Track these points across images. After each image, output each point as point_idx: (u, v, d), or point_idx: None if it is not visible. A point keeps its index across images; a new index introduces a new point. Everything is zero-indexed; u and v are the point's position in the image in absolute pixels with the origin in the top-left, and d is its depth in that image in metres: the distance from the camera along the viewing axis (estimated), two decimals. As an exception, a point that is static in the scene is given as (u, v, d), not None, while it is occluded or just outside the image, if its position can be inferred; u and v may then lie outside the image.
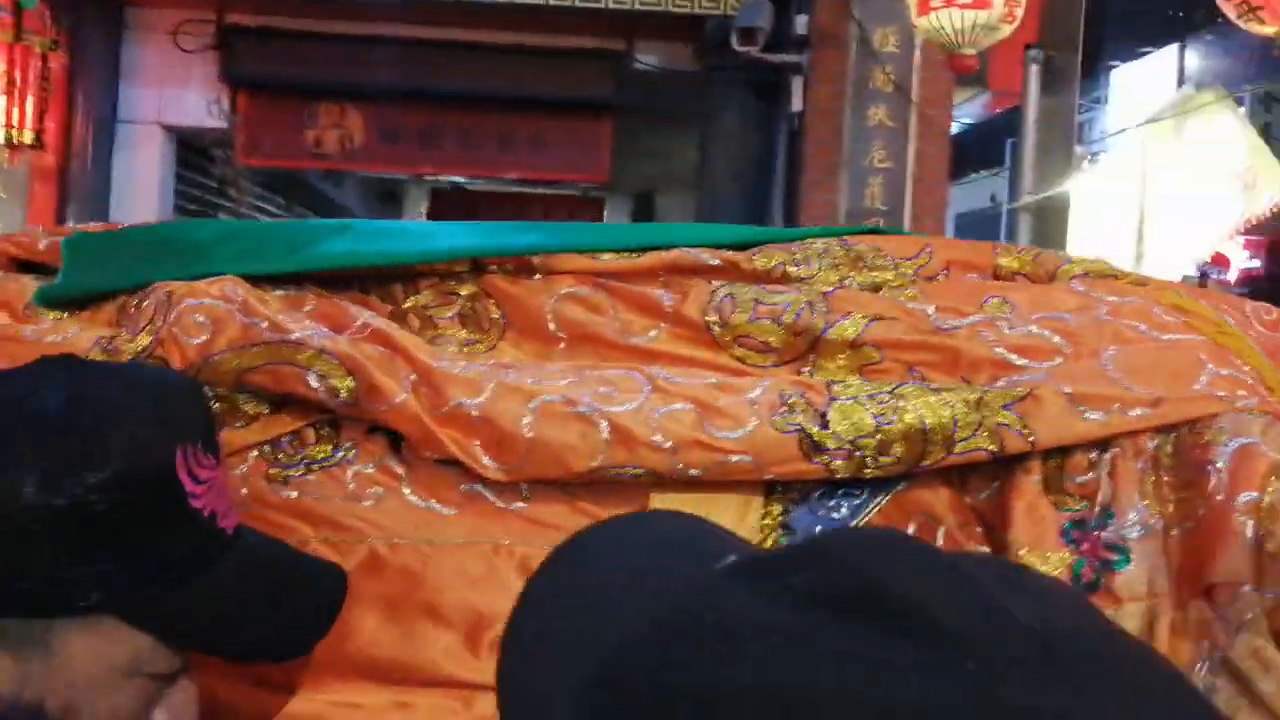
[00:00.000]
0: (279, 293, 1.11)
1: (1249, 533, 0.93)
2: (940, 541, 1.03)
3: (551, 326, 1.13)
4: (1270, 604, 0.92)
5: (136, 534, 0.72)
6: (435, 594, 0.99)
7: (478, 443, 1.00)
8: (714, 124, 6.63)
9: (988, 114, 9.48)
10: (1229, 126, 6.05)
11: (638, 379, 1.05)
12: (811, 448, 1.01)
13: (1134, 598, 0.97)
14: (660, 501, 1.03)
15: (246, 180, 7.67)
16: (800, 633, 0.36)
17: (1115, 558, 0.98)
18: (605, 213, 11.41)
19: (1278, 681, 0.89)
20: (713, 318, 1.13)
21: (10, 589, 0.69)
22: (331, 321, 1.07)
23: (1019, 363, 1.07)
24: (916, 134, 6.14)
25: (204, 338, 1.01)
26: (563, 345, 1.13)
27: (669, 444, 1.00)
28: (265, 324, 1.02)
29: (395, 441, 1.04)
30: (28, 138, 6.17)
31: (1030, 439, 1.01)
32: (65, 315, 1.11)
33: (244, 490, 0.99)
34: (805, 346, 1.11)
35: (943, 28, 4.86)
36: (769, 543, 1.02)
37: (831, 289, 1.15)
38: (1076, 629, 0.37)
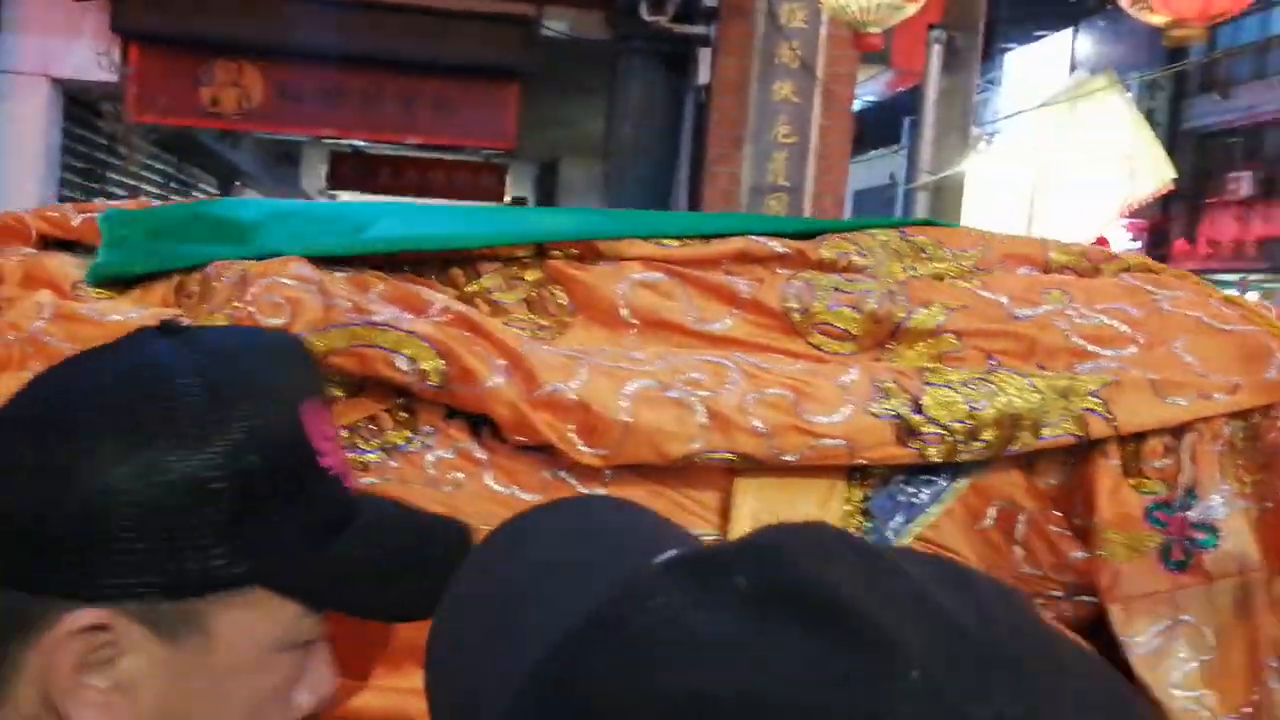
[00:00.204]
0: (340, 274, 1.07)
1: None
2: (1022, 527, 1.06)
3: (624, 313, 1.12)
4: None
5: (279, 497, 0.69)
6: None
7: (572, 427, 0.98)
8: (621, 94, 6.62)
9: (888, 92, 9.64)
10: (1118, 111, 6.26)
11: (726, 364, 1.05)
12: (906, 433, 1.02)
13: (1225, 574, 1.01)
14: (744, 486, 1.03)
15: (138, 138, 7.41)
16: (738, 637, 0.35)
17: (1203, 537, 1.02)
18: (509, 179, 11.34)
19: None
20: (792, 305, 1.13)
21: (161, 567, 0.66)
22: (405, 305, 1.04)
23: (1094, 350, 1.10)
24: (821, 110, 6.22)
25: (283, 319, 0.98)
26: (634, 331, 1.12)
27: (766, 428, 1.00)
28: (348, 305, 1.00)
29: (475, 426, 1.01)
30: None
31: (1114, 424, 1.04)
32: (115, 295, 1.08)
33: None
34: (885, 334, 1.13)
35: (848, 6, 4.93)
36: (851, 527, 1.03)
37: (906, 279, 1.17)
38: (1019, 634, 0.36)
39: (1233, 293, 1.29)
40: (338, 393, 1.00)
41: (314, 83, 6.93)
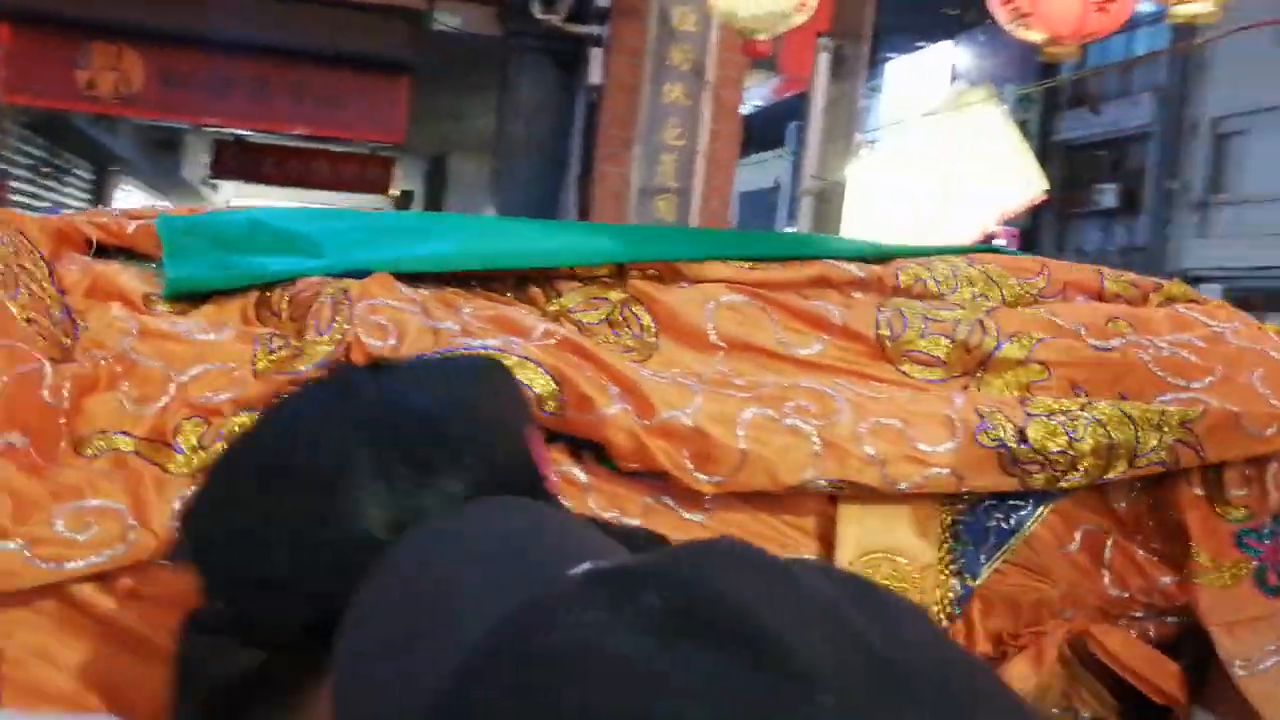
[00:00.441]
0: (424, 291, 1.06)
1: None
2: (1110, 551, 1.11)
3: (712, 336, 1.13)
4: None
5: None
6: None
7: (687, 454, 0.99)
8: (512, 90, 6.61)
9: (774, 97, 9.81)
10: (995, 123, 6.48)
11: (829, 393, 1.06)
12: (1011, 462, 1.06)
13: None
14: (848, 513, 1.04)
15: (9, 121, 7.14)
16: (646, 656, 0.34)
17: None
18: (397, 172, 11.20)
19: None
20: (885, 332, 1.16)
21: None
22: (505, 327, 1.03)
23: (1174, 381, 1.14)
24: (710, 113, 6.31)
25: (390, 341, 0.97)
26: (721, 354, 1.13)
27: (879, 456, 1.02)
28: (456, 328, 0.99)
29: (576, 450, 1.01)
30: None
31: (1203, 455, 1.09)
32: (188, 307, 1.06)
33: None
34: (975, 364, 1.16)
35: (738, 12, 5.01)
36: (943, 550, 1.06)
37: (990, 308, 1.21)
38: (928, 655, 0.37)
39: None
40: None
41: (199, 70, 6.76)
